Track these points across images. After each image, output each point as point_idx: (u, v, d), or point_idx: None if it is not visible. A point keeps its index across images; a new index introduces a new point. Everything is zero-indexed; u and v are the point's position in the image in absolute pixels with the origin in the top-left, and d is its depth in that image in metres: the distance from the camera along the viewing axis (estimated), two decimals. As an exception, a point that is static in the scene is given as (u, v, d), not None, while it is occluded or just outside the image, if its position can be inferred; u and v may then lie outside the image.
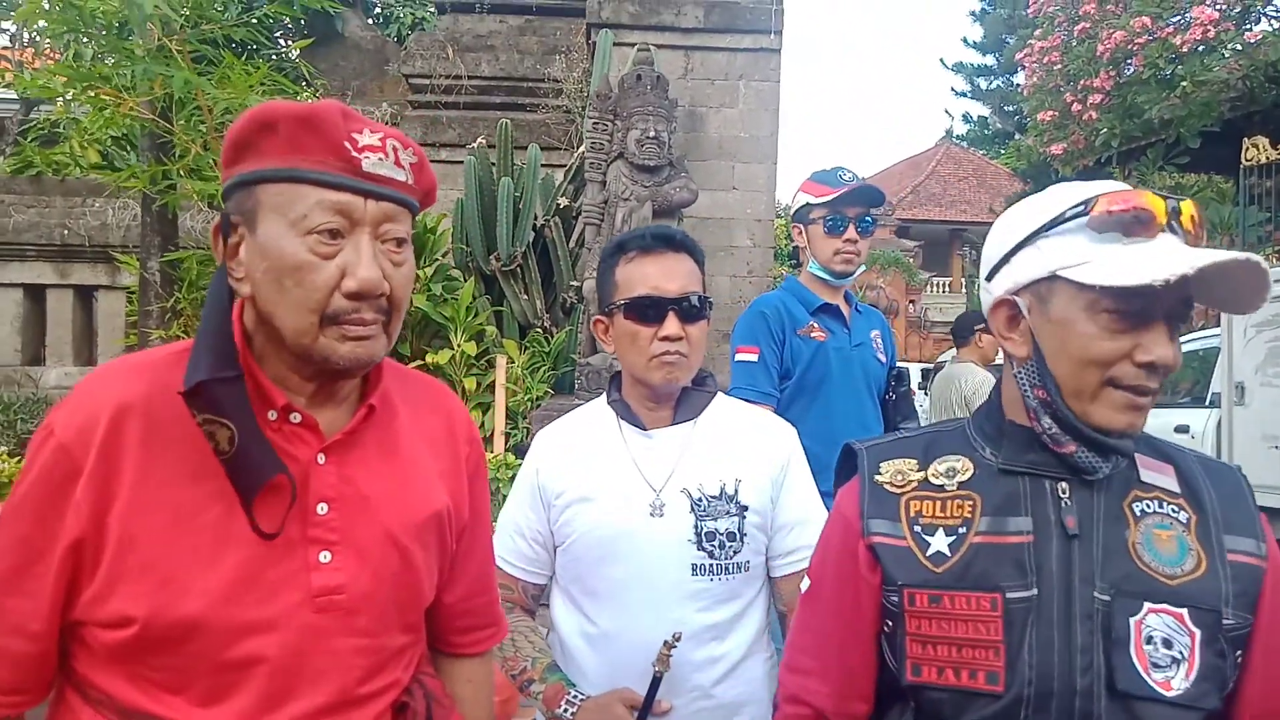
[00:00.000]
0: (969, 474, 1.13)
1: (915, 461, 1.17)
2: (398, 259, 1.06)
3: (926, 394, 6.37)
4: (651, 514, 1.62)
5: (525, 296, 7.24)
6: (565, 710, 1.56)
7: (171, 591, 0.98)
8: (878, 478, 1.17)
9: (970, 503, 1.11)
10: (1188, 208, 1.03)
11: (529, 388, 6.57)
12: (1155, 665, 1.00)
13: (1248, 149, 9.34)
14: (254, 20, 4.84)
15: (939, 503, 1.12)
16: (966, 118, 35.45)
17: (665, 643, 1.52)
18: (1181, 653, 1.00)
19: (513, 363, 6.57)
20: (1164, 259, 0.97)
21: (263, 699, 1.01)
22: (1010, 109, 29.43)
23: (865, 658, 1.16)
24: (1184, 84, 11.17)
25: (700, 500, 1.62)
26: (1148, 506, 1.08)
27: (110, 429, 0.99)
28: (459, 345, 6.50)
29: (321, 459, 1.07)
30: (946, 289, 28.02)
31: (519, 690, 1.67)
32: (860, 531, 1.14)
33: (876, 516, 1.14)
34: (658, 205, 6.17)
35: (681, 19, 7.98)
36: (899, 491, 1.15)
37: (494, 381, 6.12)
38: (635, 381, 1.70)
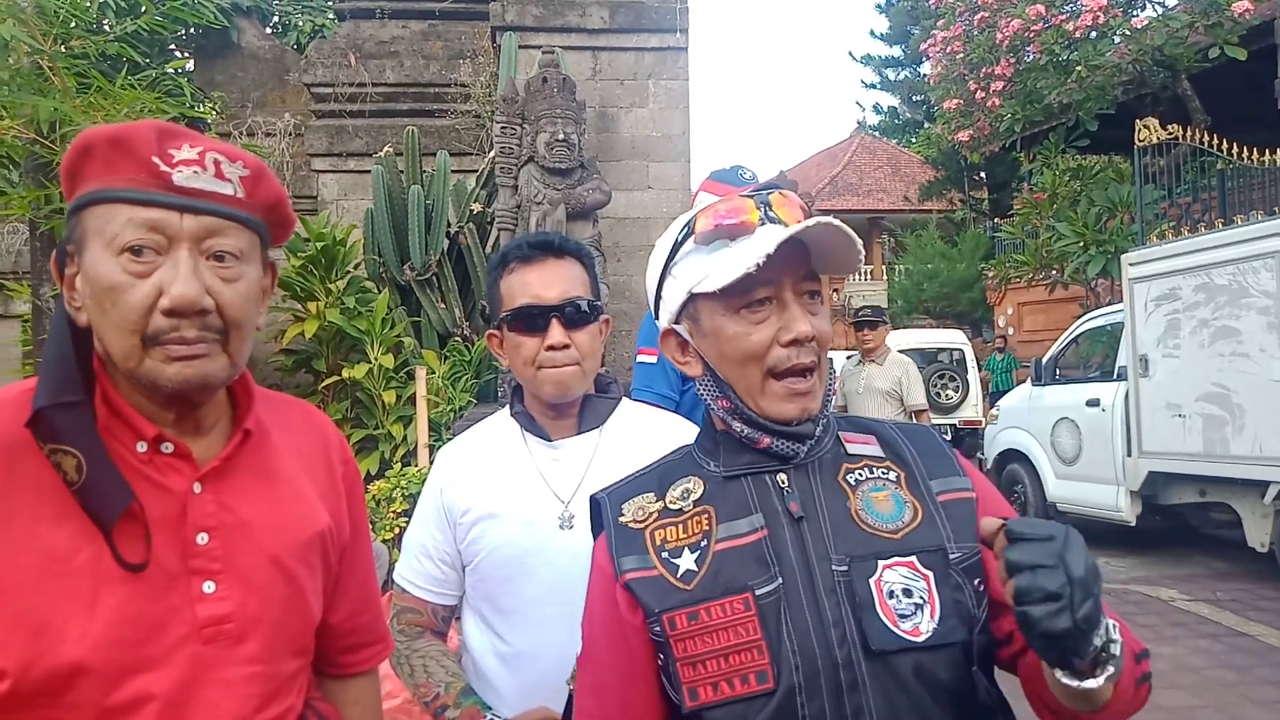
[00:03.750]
0: (701, 491, 1.16)
1: (653, 494, 1.19)
2: (227, 274, 1.03)
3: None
4: (561, 527, 1.59)
5: (443, 305, 7.11)
6: (482, 734, 1.51)
7: (48, 640, 0.93)
8: (621, 519, 1.18)
9: (706, 515, 1.13)
10: (776, 198, 1.11)
11: (451, 398, 6.44)
12: (902, 616, 1.04)
13: (1140, 130, 9.71)
14: (128, 35, 4.61)
15: (679, 525, 1.14)
16: (877, 108, 36.01)
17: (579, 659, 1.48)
18: (922, 597, 1.05)
19: (433, 373, 6.44)
20: (758, 246, 1.06)
21: None
22: (918, 99, 30.09)
23: (649, 705, 1.14)
24: (1079, 69, 11.57)
25: None
26: (860, 475, 1.15)
27: None
28: (376, 358, 6.36)
29: (198, 488, 1.05)
30: (869, 276, 28.51)
31: (433, 718, 1.62)
32: (614, 574, 1.14)
33: (626, 554, 1.14)
34: (571, 208, 6.12)
35: (587, 20, 7.95)
36: (641, 526, 1.16)
37: (414, 394, 6.00)
38: (531, 394, 1.66)
